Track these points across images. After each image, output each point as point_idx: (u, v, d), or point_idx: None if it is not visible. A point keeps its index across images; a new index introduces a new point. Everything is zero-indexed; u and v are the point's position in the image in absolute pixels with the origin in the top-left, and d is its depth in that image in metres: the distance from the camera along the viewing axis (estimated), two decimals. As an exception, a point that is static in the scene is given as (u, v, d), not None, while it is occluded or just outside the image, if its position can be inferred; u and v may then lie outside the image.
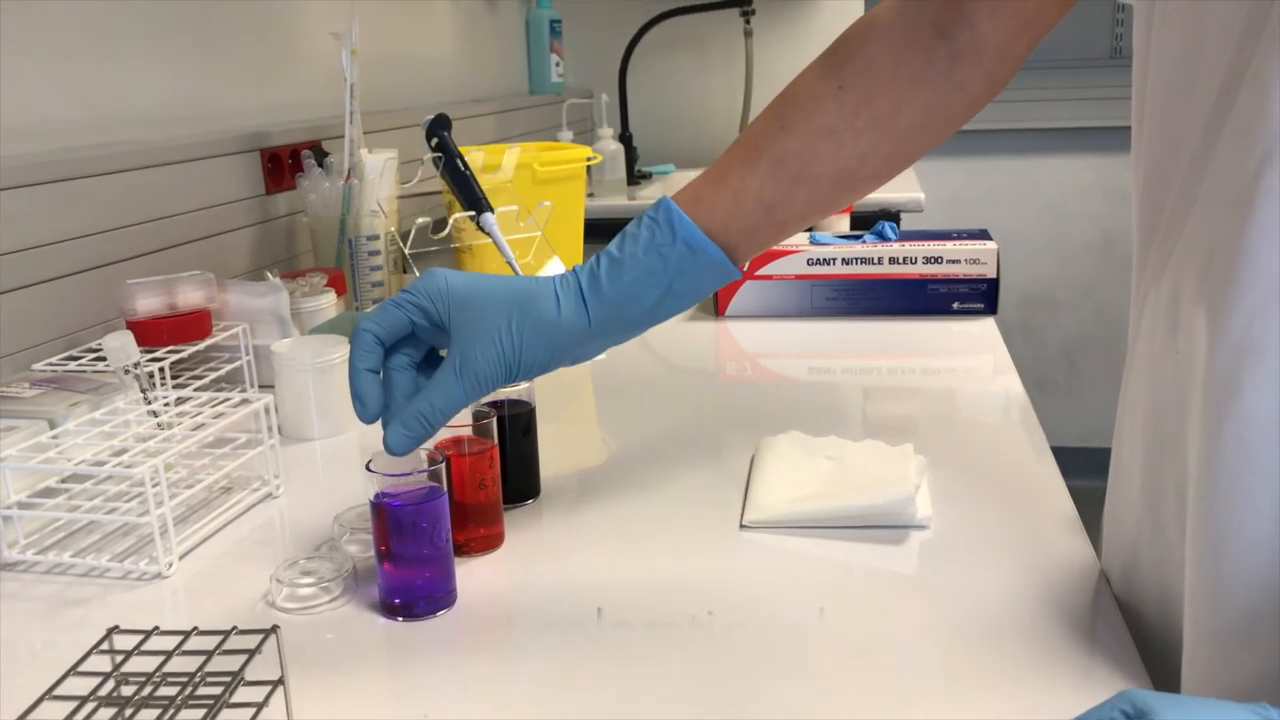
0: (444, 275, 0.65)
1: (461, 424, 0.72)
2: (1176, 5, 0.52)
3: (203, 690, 0.48)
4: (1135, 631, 0.59)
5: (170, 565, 0.71)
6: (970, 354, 1.18)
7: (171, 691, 0.48)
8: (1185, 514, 0.51)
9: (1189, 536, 0.51)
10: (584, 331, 0.65)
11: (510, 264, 1.11)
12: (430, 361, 0.67)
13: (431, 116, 1.17)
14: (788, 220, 0.69)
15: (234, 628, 0.52)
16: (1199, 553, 0.50)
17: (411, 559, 0.64)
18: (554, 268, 1.28)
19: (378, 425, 0.64)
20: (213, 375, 0.99)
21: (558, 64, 2.58)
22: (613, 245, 0.67)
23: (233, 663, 0.49)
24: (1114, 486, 0.63)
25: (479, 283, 0.65)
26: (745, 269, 1.33)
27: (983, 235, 1.33)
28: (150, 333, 0.95)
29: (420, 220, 1.20)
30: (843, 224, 1.67)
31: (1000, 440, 0.91)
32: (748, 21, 2.52)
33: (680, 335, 1.28)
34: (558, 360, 0.66)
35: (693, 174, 2.67)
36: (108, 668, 0.50)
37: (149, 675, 0.49)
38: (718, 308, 1.33)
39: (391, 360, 0.65)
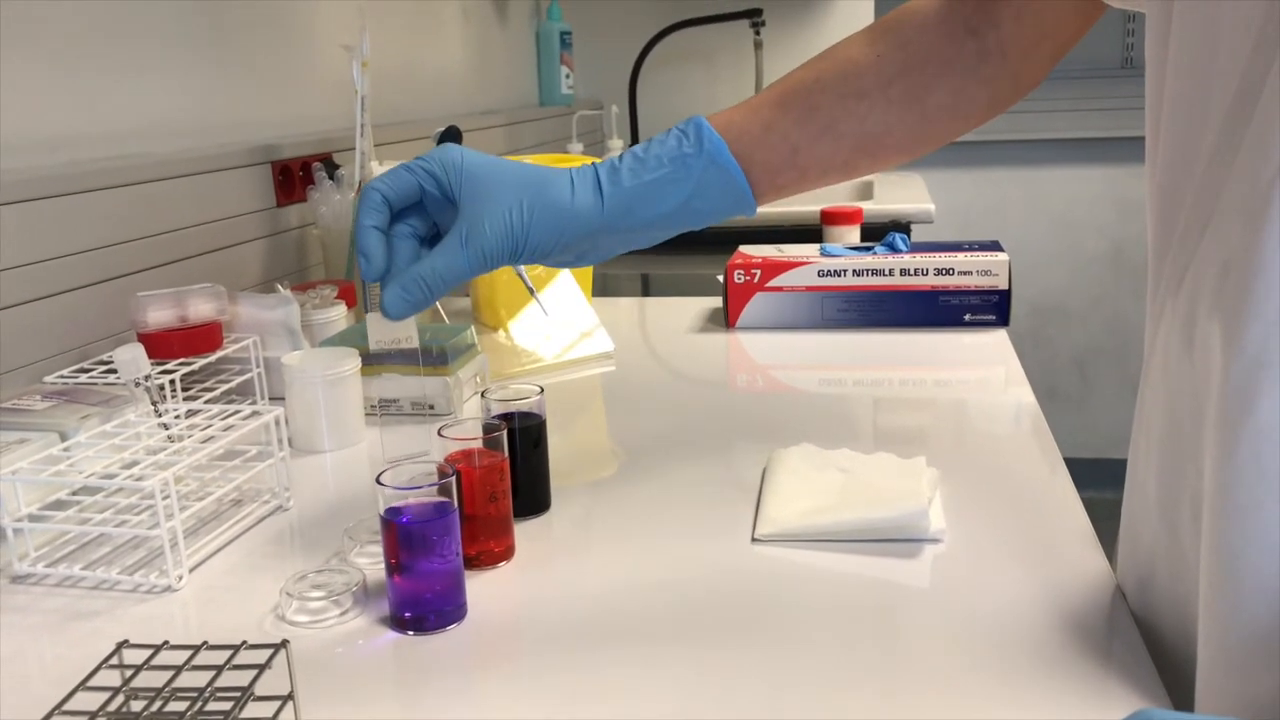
0: (459, 149, 0.65)
1: (471, 437, 0.72)
2: (1190, 16, 0.52)
3: (212, 706, 0.48)
4: (1152, 647, 0.58)
5: (180, 578, 0.71)
6: (982, 366, 1.17)
7: (181, 707, 0.48)
8: (1200, 528, 0.51)
9: (1204, 550, 0.50)
10: (595, 220, 0.66)
11: (520, 276, 1.11)
12: (434, 241, 0.67)
13: (442, 128, 1.18)
14: (808, 168, 0.71)
15: (244, 642, 0.52)
16: (1214, 567, 0.49)
17: (421, 572, 0.64)
18: (563, 282, 1.28)
19: (389, 438, 0.64)
20: (223, 387, 0.99)
21: (568, 75, 2.59)
22: (637, 147, 0.68)
23: (242, 678, 0.49)
24: (1130, 499, 0.62)
25: (494, 161, 0.66)
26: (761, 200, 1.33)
27: (994, 247, 1.32)
28: (161, 345, 0.95)
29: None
30: (853, 236, 1.67)
31: (1013, 452, 0.91)
32: (757, 33, 2.52)
33: (691, 347, 1.28)
34: (564, 247, 0.66)
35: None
36: (117, 682, 0.50)
37: (159, 690, 0.49)
38: (728, 319, 1.32)
39: (395, 228, 0.65)
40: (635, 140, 2.52)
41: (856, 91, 0.71)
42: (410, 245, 0.66)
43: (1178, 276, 0.53)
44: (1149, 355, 0.58)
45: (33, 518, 0.73)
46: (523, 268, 1.12)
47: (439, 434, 0.72)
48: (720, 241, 1.50)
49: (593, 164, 0.68)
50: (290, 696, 0.50)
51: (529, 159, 1.36)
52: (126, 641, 0.52)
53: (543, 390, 0.80)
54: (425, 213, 0.66)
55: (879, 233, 1.47)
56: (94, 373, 0.93)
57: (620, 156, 0.68)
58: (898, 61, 0.71)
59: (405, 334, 0.64)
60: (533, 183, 0.65)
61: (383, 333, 0.64)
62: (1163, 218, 0.56)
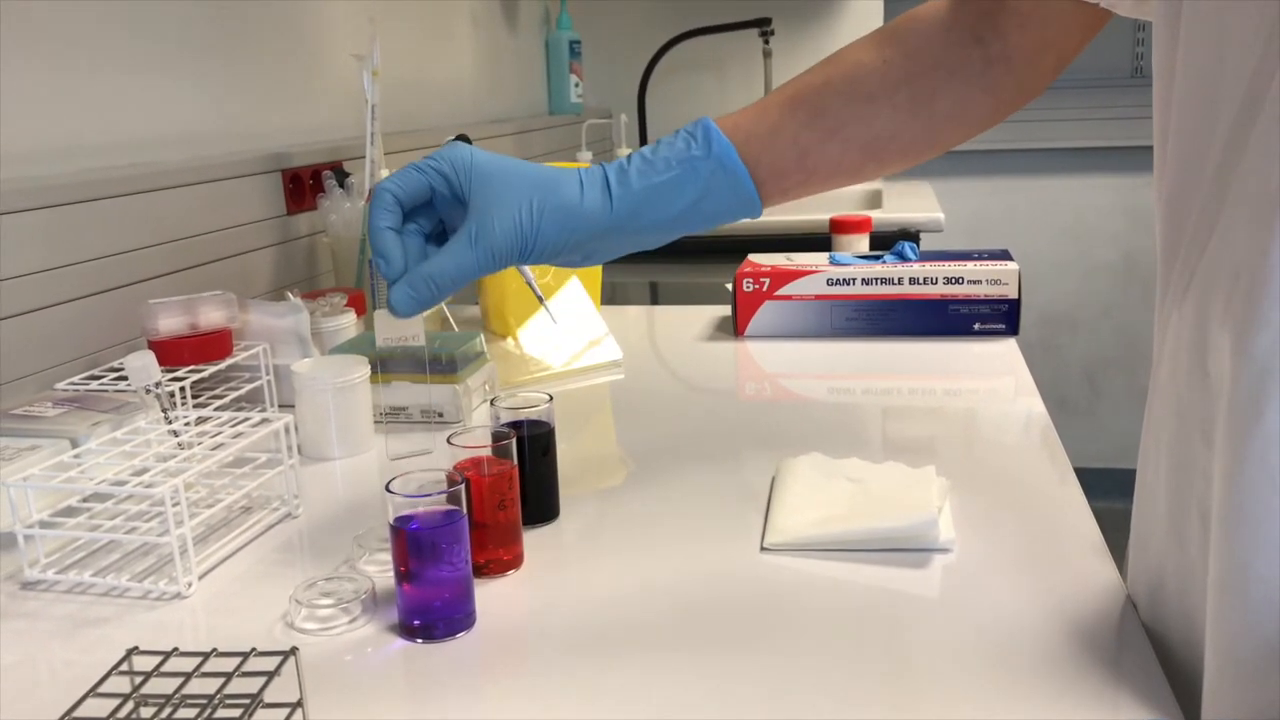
0: (469, 148, 0.66)
1: (480, 445, 0.72)
2: (1198, 23, 0.52)
3: (221, 713, 0.48)
4: (1162, 657, 0.58)
5: (190, 585, 0.71)
6: (991, 375, 1.17)
7: (190, 714, 0.48)
8: (1209, 537, 0.51)
9: (1212, 561, 0.50)
10: (604, 220, 0.66)
11: (530, 284, 1.11)
12: (443, 237, 0.68)
13: (452, 137, 1.18)
14: (815, 171, 0.72)
15: (253, 649, 0.52)
16: (1222, 577, 0.49)
17: (430, 580, 0.64)
18: (572, 290, 1.28)
19: (398, 446, 0.64)
20: (233, 395, 0.99)
21: (577, 84, 2.59)
22: (646, 149, 0.69)
23: (252, 685, 0.49)
24: (1139, 509, 0.62)
25: (503, 161, 0.66)
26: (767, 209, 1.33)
27: (1004, 256, 1.32)
28: (171, 352, 0.95)
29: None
30: (862, 244, 1.66)
31: (1023, 462, 0.90)
32: (766, 42, 2.53)
33: (699, 355, 1.28)
34: (572, 247, 0.66)
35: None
36: (127, 689, 0.50)
37: (168, 697, 0.49)
38: (737, 328, 1.32)
39: (404, 226, 0.66)
40: (644, 149, 2.52)
41: (864, 95, 0.71)
42: (418, 243, 0.66)
43: (1185, 284, 0.53)
44: (1157, 363, 0.58)
45: (43, 524, 0.74)
46: (532, 276, 1.12)
47: (448, 442, 0.72)
48: (729, 250, 1.50)
49: (601, 165, 0.68)
50: (299, 704, 0.50)
51: (538, 167, 1.36)
52: (136, 648, 0.53)
53: (552, 398, 0.80)
54: (433, 211, 0.67)
55: (888, 241, 1.47)
56: (105, 379, 0.94)
57: (629, 158, 0.69)
58: (904, 68, 0.72)
59: (412, 332, 0.64)
60: (542, 183, 0.66)
61: (390, 330, 0.64)
62: (1170, 225, 0.56)
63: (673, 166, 0.67)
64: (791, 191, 0.73)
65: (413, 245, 0.66)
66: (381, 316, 0.63)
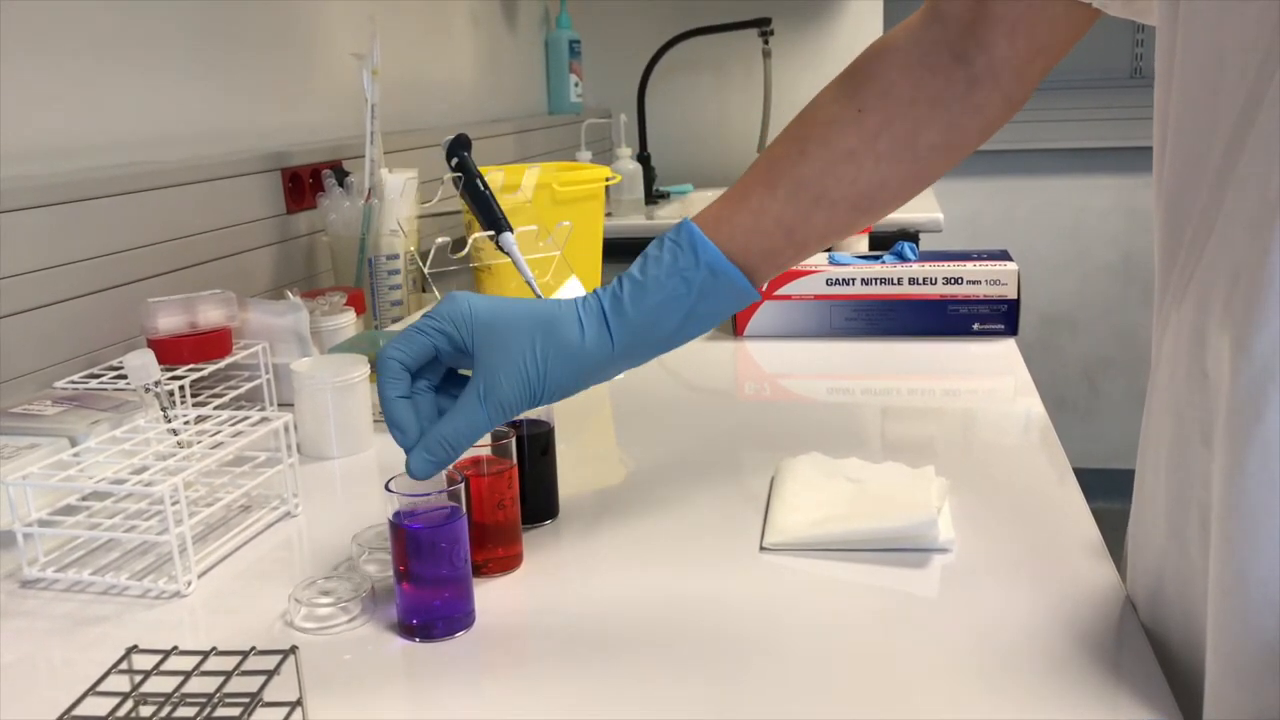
0: (466, 299, 0.65)
1: (480, 444, 0.72)
2: (1197, 25, 0.52)
3: (221, 711, 0.48)
4: (1161, 658, 0.58)
5: (189, 584, 0.71)
6: (991, 375, 1.17)
7: (190, 712, 0.48)
8: (1209, 539, 0.51)
9: (1212, 562, 0.50)
10: (607, 355, 0.66)
11: (529, 284, 1.11)
12: (449, 380, 0.67)
13: (452, 136, 1.18)
14: (807, 242, 0.70)
15: (252, 648, 0.52)
16: (1223, 579, 0.49)
17: (430, 579, 0.64)
18: (572, 287, 1.28)
19: (396, 445, 0.64)
20: (233, 394, 0.99)
21: (577, 84, 2.59)
22: (634, 268, 0.68)
23: (251, 684, 0.49)
24: (1138, 510, 0.62)
25: (502, 306, 0.65)
26: (764, 290, 1.33)
27: (1003, 256, 1.32)
28: (171, 351, 0.95)
29: (440, 240, 1.20)
30: (862, 244, 1.66)
31: (1022, 462, 0.90)
32: (766, 42, 2.53)
33: (699, 355, 1.28)
34: (580, 384, 0.66)
35: (711, 194, 2.67)
36: (127, 688, 0.50)
37: (168, 696, 0.49)
38: (736, 328, 1.32)
39: (412, 384, 0.65)
40: (644, 149, 2.52)
41: (844, 155, 0.68)
42: (429, 400, 0.65)
43: (1184, 285, 0.53)
44: (1155, 364, 0.58)
45: (42, 522, 0.74)
46: (531, 275, 1.12)
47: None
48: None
49: (595, 294, 0.67)
50: (299, 702, 0.51)
51: (538, 167, 1.36)
52: (136, 647, 0.53)
53: (551, 398, 0.80)
54: (438, 363, 0.66)
55: (887, 241, 1.47)
56: (104, 378, 0.94)
57: (620, 281, 0.67)
58: (881, 111, 0.68)
59: (434, 488, 0.65)
60: (542, 326, 0.65)
61: (410, 490, 0.64)
62: (1170, 227, 0.56)
63: (663, 284, 0.66)
64: (786, 265, 0.71)
65: (424, 406, 0.65)
66: (399, 478, 0.64)
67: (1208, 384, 0.50)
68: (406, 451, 0.64)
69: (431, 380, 0.66)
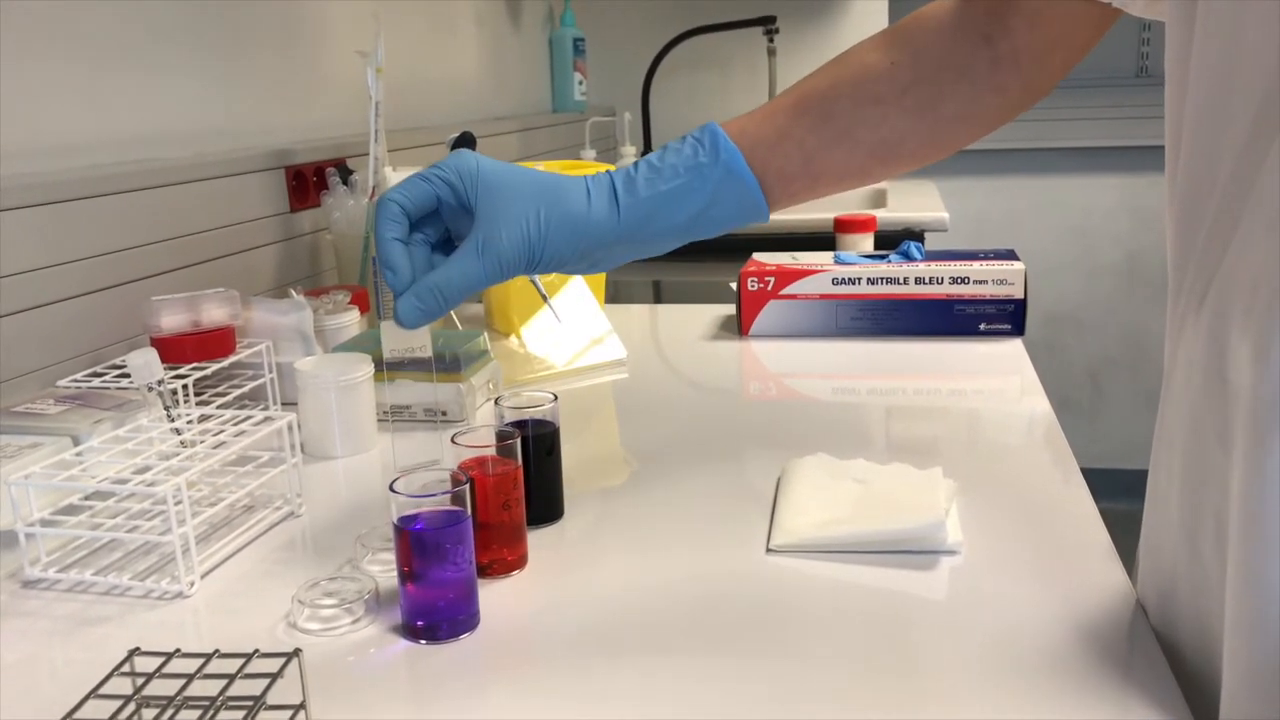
0: (475, 157, 0.65)
1: (485, 444, 0.71)
2: (1214, 25, 0.51)
3: (224, 715, 0.47)
4: (1174, 664, 0.57)
5: (192, 584, 0.71)
6: (997, 375, 1.16)
7: (193, 716, 0.47)
8: (1225, 545, 0.50)
9: (1230, 569, 0.49)
10: (611, 230, 0.66)
11: (534, 283, 1.11)
12: (447, 245, 0.67)
13: (456, 134, 1.17)
14: (822, 175, 0.71)
15: (255, 651, 0.52)
16: (1240, 587, 0.48)
17: (434, 581, 0.64)
18: (575, 288, 1.28)
19: (402, 445, 0.64)
20: (236, 392, 0.99)
21: (581, 82, 2.59)
22: (652, 155, 0.68)
23: (254, 687, 0.48)
24: (1150, 514, 0.61)
25: (510, 170, 0.65)
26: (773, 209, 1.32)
27: (1010, 255, 1.31)
28: (174, 350, 0.95)
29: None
30: (867, 244, 1.66)
31: (1029, 463, 0.90)
32: (771, 40, 2.52)
33: (704, 354, 1.27)
34: (579, 256, 0.66)
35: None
36: (129, 690, 0.50)
37: (170, 699, 0.48)
38: (741, 327, 1.32)
39: (410, 236, 0.65)
40: (648, 147, 2.51)
41: (872, 98, 0.71)
42: (424, 253, 0.65)
43: (1200, 291, 0.53)
44: (1169, 369, 0.58)
45: (44, 522, 0.73)
46: (536, 275, 1.12)
47: (452, 441, 0.71)
48: (733, 249, 1.49)
49: (608, 172, 0.68)
50: (302, 705, 0.50)
51: (542, 165, 1.36)
52: (138, 649, 0.52)
53: (556, 398, 0.79)
54: (439, 220, 0.66)
55: (892, 241, 1.46)
56: (107, 377, 0.93)
57: (635, 165, 0.68)
58: (912, 69, 0.71)
59: (419, 343, 0.63)
60: (549, 191, 0.65)
61: (397, 341, 0.63)
62: (1184, 230, 0.55)
63: (680, 174, 0.67)
64: (799, 195, 0.72)
65: (419, 255, 0.65)
66: (388, 328, 0.62)
67: (1227, 389, 0.50)
68: (396, 295, 0.63)
69: (429, 236, 0.66)
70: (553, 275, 1.26)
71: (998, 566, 0.70)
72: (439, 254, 0.66)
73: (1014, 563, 0.71)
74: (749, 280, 1.30)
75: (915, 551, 0.72)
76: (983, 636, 0.62)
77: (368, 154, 1.29)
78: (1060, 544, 0.73)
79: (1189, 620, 0.57)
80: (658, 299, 1.82)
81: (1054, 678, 0.57)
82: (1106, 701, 0.55)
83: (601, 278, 1.43)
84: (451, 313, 1.26)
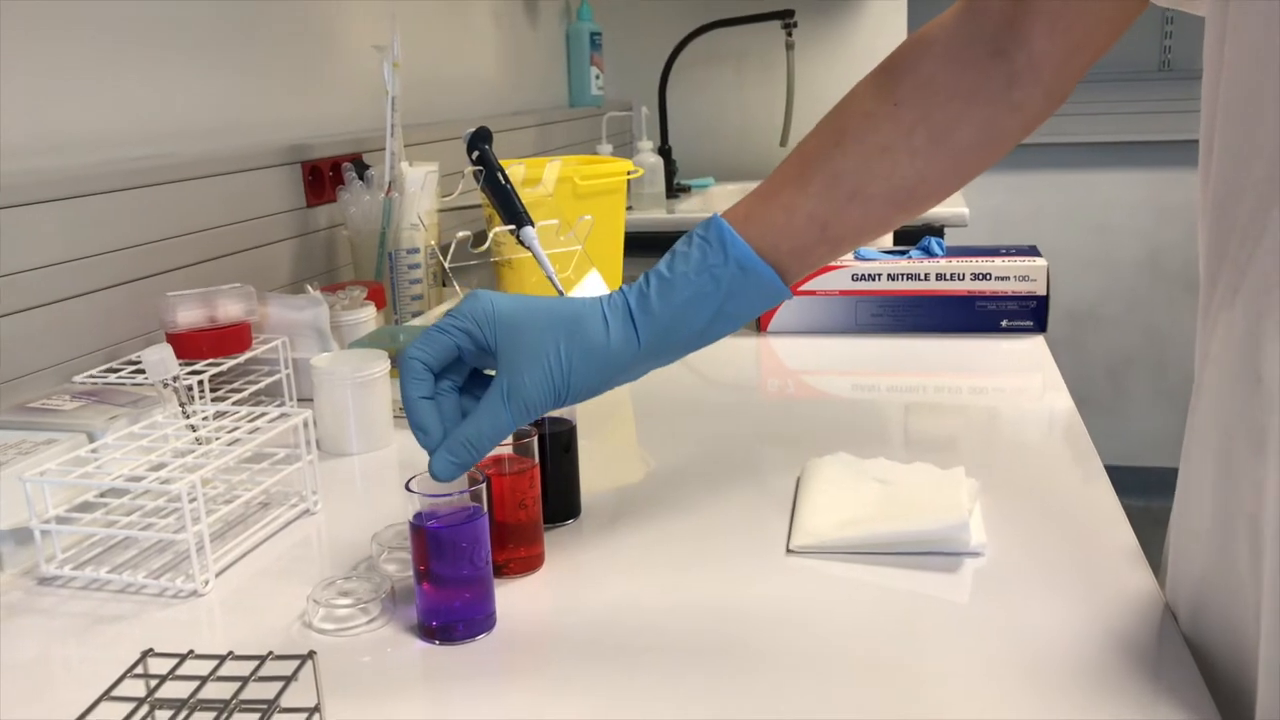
0: (489, 298, 0.63)
1: (502, 443, 0.70)
2: (1247, 16, 0.50)
3: (237, 718, 0.47)
4: (1204, 671, 0.56)
5: (206, 583, 0.70)
6: (1019, 373, 1.15)
7: (207, 719, 0.47)
8: (1259, 550, 0.49)
9: (1267, 574, 0.48)
10: (633, 355, 0.64)
11: (550, 278, 1.10)
12: (473, 380, 0.66)
13: (473, 129, 1.17)
14: (841, 239, 0.68)
15: (270, 653, 0.51)
16: (1275, 592, 0.47)
17: (451, 580, 0.63)
18: (593, 281, 1.27)
19: (419, 445, 0.63)
20: (252, 389, 0.99)
21: (598, 77, 2.58)
22: (662, 265, 0.66)
23: (268, 690, 0.48)
24: (1179, 517, 0.60)
25: (526, 305, 0.64)
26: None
27: (1032, 252, 1.30)
28: (190, 345, 0.95)
29: (460, 234, 1.19)
30: (887, 239, 1.64)
31: (1052, 463, 0.88)
32: (789, 34, 2.50)
33: (721, 352, 1.26)
34: (606, 383, 0.65)
35: (733, 187, 2.65)
36: (142, 692, 0.49)
37: (184, 701, 0.48)
38: (760, 324, 1.31)
39: (435, 385, 0.64)
40: (665, 142, 2.50)
41: (879, 148, 0.66)
42: (452, 400, 0.64)
43: (1233, 288, 0.51)
44: (1200, 368, 0.56)
45: (60, 519, 0.73)
46: (552, 270, 1.11)
47: (469, 439, 0.70)
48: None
49: (622, 292, 0.65)
50: (317, 708, 0.49)
51: (559, 160, 1.35)
52: (152, 650, 0.52)
53: (574, 395, 0.79)
54: (461, 362, 0.65)
55: (911, 236, 1.44)
56: (123, 373, 0.93)
57: (647, 278, 0.66)
58: (918, 106, 0.66)
59: (456, 488, 0.63)
60: (566, 324, 0.63)
61: (431, 490, 0.63)
62: (1217, 224, 0.54)
63: (691, 281, 0.64)
64: (820, 262, 0.69)
65: (447, 406, 0.64)
66: (421, 478, 0.62)
67: (1261, 389, 0.48)
68: (429, 453, 0.62)
69: (455, 380, 0.64)
70: (570, 270, 1.25)
71: (1022, 568, 0.69)
72: (466, 396, 0.65)
73: (1038, 565, 0.69)
74: (767, 276, 1.29)
75: (938, 553, 0.70)
76: (1007, 640, 0.61)
77: (384, 149, 1.29)
78: (1085, 545, 0.72)
79: (1220, 626, 0.55)
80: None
81: (1081, 682, 0.56)
82: (1135, 707, 0.53)
83: (618, 274, 1.42)
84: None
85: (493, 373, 0.64)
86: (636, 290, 0.65)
